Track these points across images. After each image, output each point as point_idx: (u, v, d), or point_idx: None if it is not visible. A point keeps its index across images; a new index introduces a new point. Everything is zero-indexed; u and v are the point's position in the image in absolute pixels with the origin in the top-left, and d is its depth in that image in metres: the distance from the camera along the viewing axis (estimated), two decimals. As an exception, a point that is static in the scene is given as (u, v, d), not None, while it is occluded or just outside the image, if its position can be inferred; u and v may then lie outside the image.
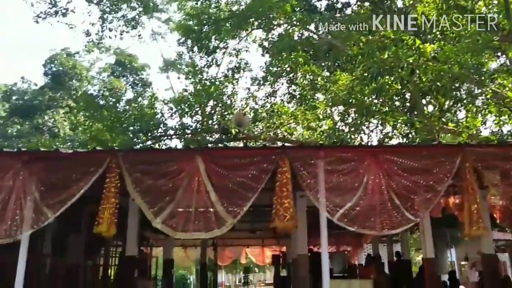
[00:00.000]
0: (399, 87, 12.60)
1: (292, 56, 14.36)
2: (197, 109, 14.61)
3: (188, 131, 15.20)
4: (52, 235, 13.65)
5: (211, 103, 14.66)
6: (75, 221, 14.52)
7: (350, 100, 12.71)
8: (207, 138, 15.30)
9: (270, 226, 5.89)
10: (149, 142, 14.66)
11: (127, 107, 16.58)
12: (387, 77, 11.74)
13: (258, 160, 6.09)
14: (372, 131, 15.92)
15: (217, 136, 15.29)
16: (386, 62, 11.00)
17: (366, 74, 11.61)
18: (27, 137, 24.78)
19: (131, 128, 14.69)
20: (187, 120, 15.61)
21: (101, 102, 18.27)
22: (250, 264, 32.30)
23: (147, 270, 19.43)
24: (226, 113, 14.65)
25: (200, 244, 18.74)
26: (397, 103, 15.01)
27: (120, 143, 13.04)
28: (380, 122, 14.96)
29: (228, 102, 14.92)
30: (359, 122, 13.74)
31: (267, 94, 16.77)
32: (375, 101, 12.67)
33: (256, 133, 14.95)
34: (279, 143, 14.01)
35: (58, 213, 5.55)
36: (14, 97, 28.90)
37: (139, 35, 20.63)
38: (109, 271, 17.23)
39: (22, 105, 27.57)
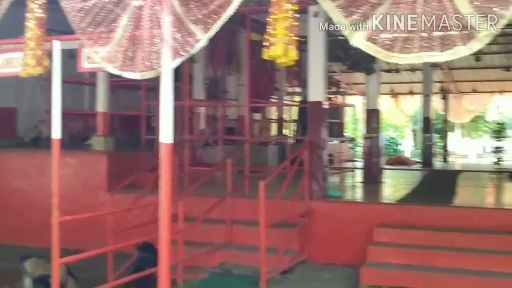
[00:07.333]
0: None
1: None
2: None
3: None
4: (204, 76, 11.39)
5: None
6: (232, 54, 11.63)
7: None
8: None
9: None
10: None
11: None
12: None
13: None
14: None
15: None
16: None
17: None
18: None
19: None
20: None
21: None
22: (504, 122, 19.88)
23: (339, 127, 15.84)
24: None
25: (420, 90, 14.83)
26: None
27: None
28: None
29: None
30: None
31: None
32: None
33: None
34: None
35: (210, 32, 3.99)
36: None
37: None
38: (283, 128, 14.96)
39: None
